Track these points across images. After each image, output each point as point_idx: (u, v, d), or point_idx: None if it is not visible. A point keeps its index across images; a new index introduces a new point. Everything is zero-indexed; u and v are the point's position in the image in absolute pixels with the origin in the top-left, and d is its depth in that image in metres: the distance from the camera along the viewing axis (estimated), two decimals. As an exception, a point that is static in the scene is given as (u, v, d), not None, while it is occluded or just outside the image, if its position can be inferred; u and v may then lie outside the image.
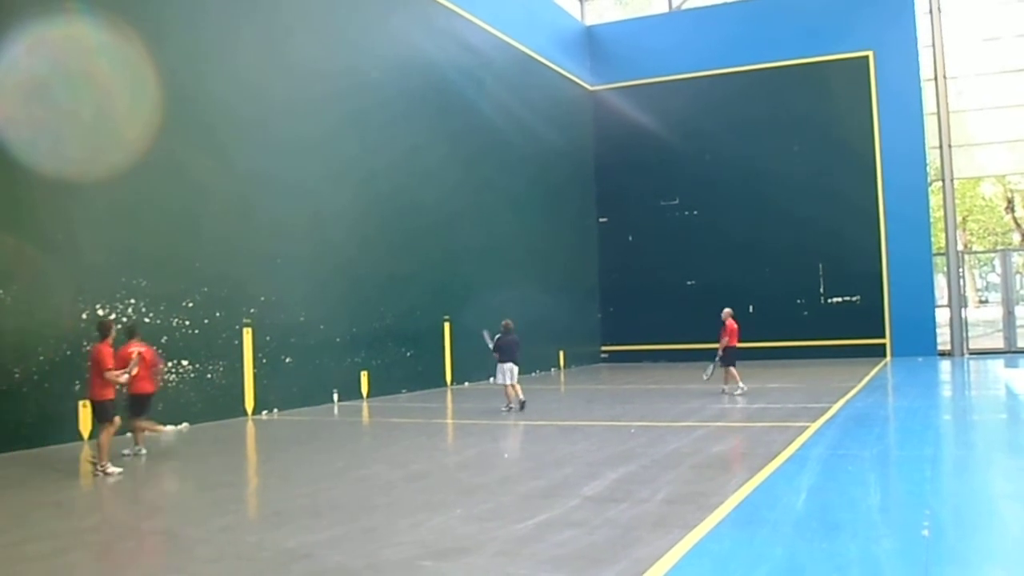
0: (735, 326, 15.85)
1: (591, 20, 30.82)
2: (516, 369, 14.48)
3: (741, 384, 15.77)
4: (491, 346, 14.59)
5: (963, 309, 25.71)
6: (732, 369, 15.85)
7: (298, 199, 16.08)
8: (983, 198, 41.99)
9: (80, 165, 12.08)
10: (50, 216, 11.80)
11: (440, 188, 20.27)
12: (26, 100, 11.49)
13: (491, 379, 14.87)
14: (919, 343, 24.71)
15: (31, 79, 11.54)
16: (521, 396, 14.47)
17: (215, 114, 14.47)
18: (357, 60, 18.00)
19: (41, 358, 11.44)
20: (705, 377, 16.31)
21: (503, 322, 14.79)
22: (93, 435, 10.75)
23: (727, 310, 16.08)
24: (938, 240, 26.83)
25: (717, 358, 15.94)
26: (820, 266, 26.08)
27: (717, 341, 15.98)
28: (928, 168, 25.81)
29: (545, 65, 26.06)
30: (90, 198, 12.28)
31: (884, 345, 25.30)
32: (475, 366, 21.08)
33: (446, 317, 20.10)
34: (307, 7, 16.74)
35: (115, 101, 12.70)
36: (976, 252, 44.33)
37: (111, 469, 9.18)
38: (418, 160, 19.50)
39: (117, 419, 9.75)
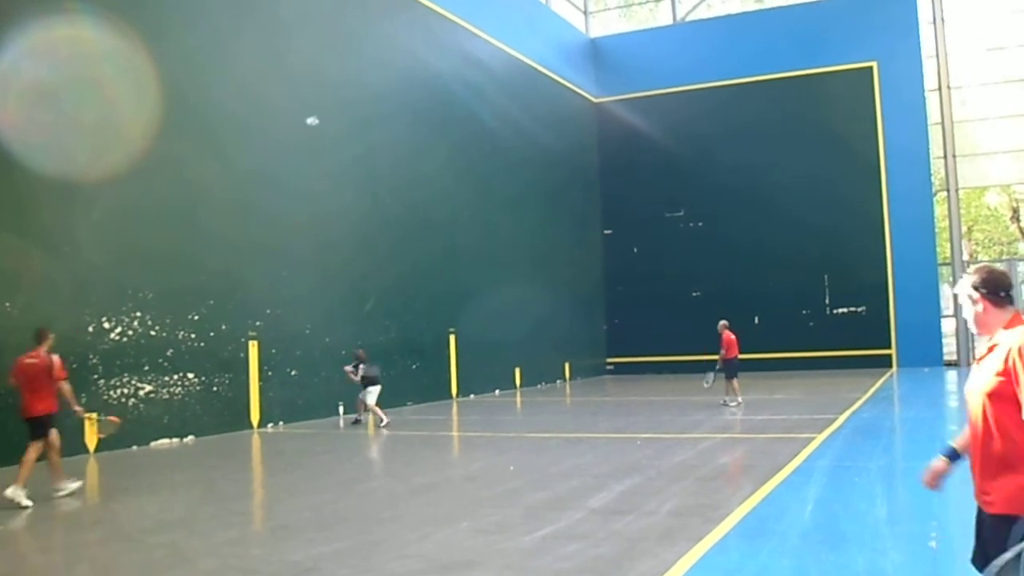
0: (731, 337, 15.79)
1: (596, 32, 30.92)
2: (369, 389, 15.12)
3: (738, 397, 15.70)
4: (356, 378, 15.09)
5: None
6: (731, 381, 15.75)
7: (303, 211, 16.10)
8: (988, 208, 41.81)
9: (82, 173, 12.07)
10: (54, 226, 11.83)
11: (444, 198, 20.31)
12: (27, 103, 11.47)
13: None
14: (925, 353, 24.64)
15: (32, 82, 11.53)
16: (376, 415, 15.07)
17: (222, 126, 14.52)
18: (360, 71, 18.06)
19: (47, 371, 11.45)
20: (706, 385, 16.33)
21: (359, 351, 15.33)
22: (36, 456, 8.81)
23: (722, 322, 16.09)
24: (943, 250, 26.77)
25: (717, 368, 16.00)
26: (825, 276, 26.04)
27: (714, 353, 16.03)
28: (933, 178, 25.79)
29: (549, 77, 26.14)
30: (93, 207, 12.29)
31: (890, 355, 25.23)
32: (481, 378, 21.10)
33: (451, 329, 20.10)
34: (310, 16, 16.81)
35: (118, 105, 12.71)
36: (982, 262, 44.18)
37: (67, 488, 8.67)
38: (421, 172, 19.54)
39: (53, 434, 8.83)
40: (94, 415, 10.31)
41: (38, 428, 8.69)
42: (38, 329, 9.03)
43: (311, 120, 15.11)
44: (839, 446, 10.54)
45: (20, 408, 8.79)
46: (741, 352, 15.95)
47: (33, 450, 8.63)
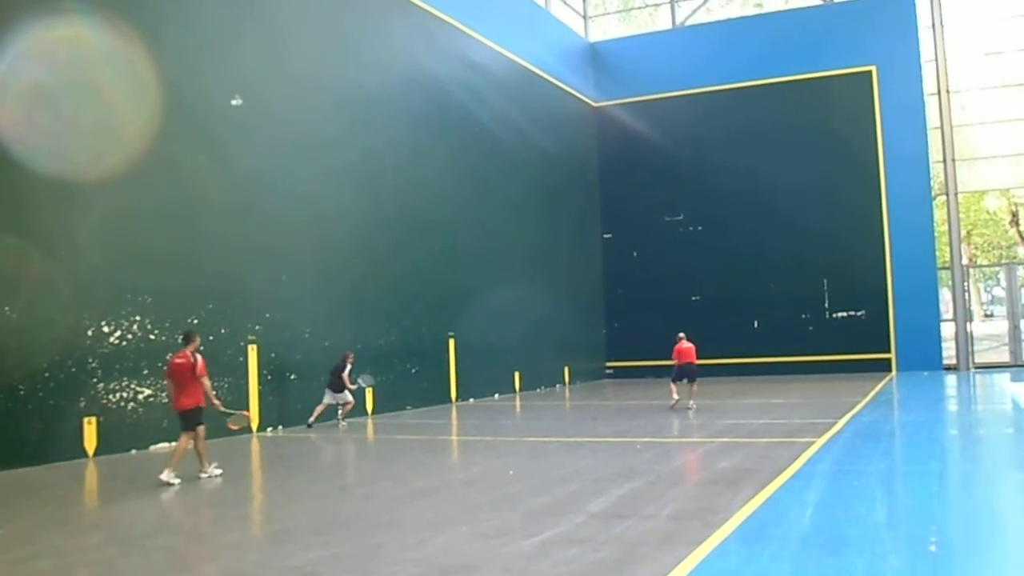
0: (682, 347, 16.83)
1: (595, 37, 30.95)
2: (333, 393, 15.51)
3: (675, 396, 16.66)
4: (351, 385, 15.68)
5: (968, 323, 25.63)
6: (678, 383, 16.73)
7: (302, 213, 16.09)
8: (987, 212, 41.90)
9: (81, 174, 12.04)
10: (53, 227, 11.81)
11: (444, 201, 20.31)
12: (26, 104, 11.44)
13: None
14: (924, 357, 24.62)
15: (31, 83, 11.49)
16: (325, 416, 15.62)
17: (221, 127, 14.51)
18: (359, 73, 18.05)
19: (46, 375, 11.45)
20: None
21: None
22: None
23: (679, 334, 17.21)
24: (943, 254, 26.78)
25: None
26: (825, 280, 26.04)
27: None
28: (932, 182, 25.81)
29: (549, 81, 26.15)
30: (92, 209, 12.25)
31: (889, 360, 25.20)
32: (480, 382, 21.09)
33: (451, 333, 20.10)
34: (308, 18, 16.83)
35: (117, 106, 12.67)
36: (981, 266, 44.23)
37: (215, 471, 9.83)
38: (421, 174, 19.54)
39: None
40: (234, 412, 11.11)
41: (187, 420, 9.66)
42: (185, 332, 10.31)
43: (235, 101, 15.02)
44: (839, 450, 10.53)
45: (172, 402, 9.93)
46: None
47: (184, 439, 9.65)
